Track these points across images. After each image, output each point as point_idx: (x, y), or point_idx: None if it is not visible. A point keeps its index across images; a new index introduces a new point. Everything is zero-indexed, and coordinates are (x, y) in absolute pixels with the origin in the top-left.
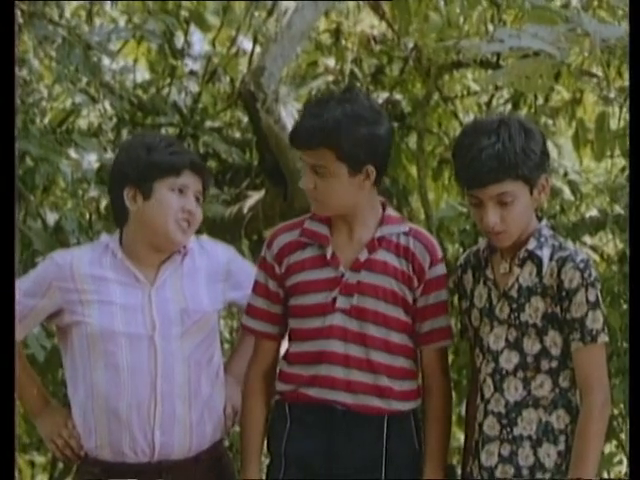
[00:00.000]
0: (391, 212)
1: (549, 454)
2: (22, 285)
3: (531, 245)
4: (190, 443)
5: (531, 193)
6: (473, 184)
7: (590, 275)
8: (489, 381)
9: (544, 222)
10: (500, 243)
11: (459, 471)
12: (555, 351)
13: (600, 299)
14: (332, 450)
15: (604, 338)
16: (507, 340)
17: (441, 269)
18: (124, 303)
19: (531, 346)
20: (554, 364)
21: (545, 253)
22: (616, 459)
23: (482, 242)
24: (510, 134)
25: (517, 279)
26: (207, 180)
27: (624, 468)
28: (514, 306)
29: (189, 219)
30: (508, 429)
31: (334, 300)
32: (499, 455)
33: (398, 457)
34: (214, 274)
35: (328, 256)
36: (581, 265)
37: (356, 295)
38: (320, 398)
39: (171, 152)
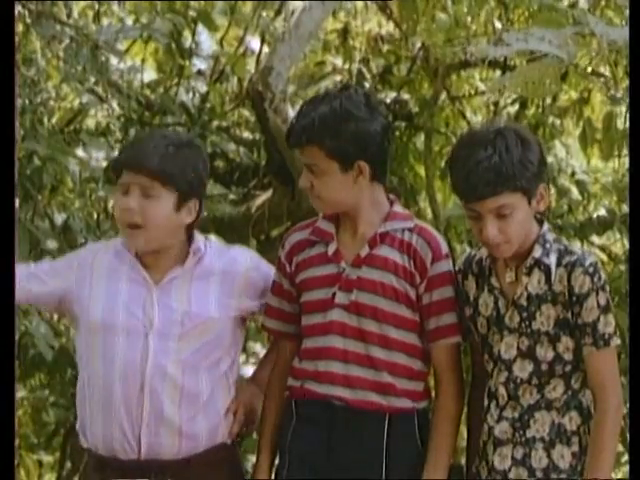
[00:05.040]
0: (398, 209)
1: (563, 455)
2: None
3: (537, 253)
4: (179, 445)
5: (529, 203)
6: (470, 198)
7: (600, 279)
8: (502, 390)
9: (546, 226)
10: (500, 255)
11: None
12: (568, 356)
13: (610, 302)
14: (332, 447)
15: (616, 341)
16: (519, 349)
17: (445, 265)
18: (128, 298)
19: (544, 354)
20: (567, 368)
21: (552, 260)
22: (624, 459)
23: (484, 250)
24: (507, 145)
25: (526, 288)
26: (155, 171)
27: None
28: (524, 315)
29: (134, 219)
30: (521, 432)
31: (333, 296)
32: (512, 458)
33: (399, 457)
34: (229, 281)
35: (330, 252)
36: (590, 269)
37: (355, 291)
38: (321, 393)
39: (118, 154)
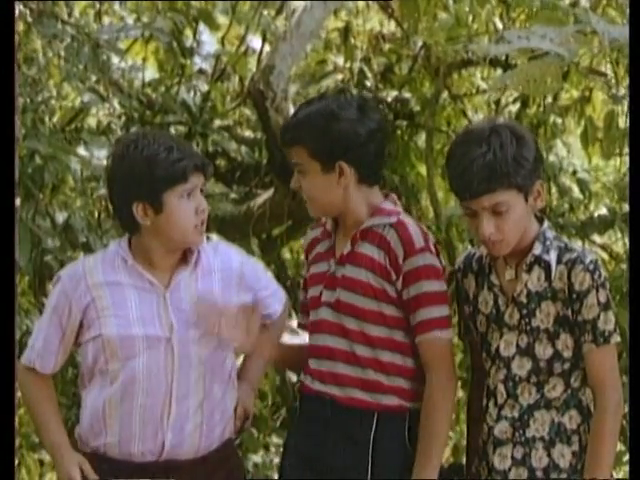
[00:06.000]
0: (387, 205)
1: (563, 454)
2: (43, 322)
3: (537, 250)
4: (199, 444)
5: (526, 200)
6: (465, 195)
7: (600, 276)
8: (501, 388)
9: (546, 224)
10: (497, 252)
11: None
12: (567, 353)
13: (610, 299)
14: (324, 444)
15: (616, 338)
16: (518, 346)
17: (420, 260)
18: (140, 307)
19: (543, 351)
20: (566, 366)
21: (552, 257)
22: (625, 458)
23: (484, 248)
24: (501, 143)
25: (525, 285)
26: (208, 171)
27: None
28: (524, 312)
29: (203, 217)
30: (520, 431)
31: (320, 294)
32: (512, 458)
33: (386, 456)
34: (228, 277)
35: (323, 250)
36: (590, 267)
37: (339, 289)
38: (315, 390)
39: (173, 160)
